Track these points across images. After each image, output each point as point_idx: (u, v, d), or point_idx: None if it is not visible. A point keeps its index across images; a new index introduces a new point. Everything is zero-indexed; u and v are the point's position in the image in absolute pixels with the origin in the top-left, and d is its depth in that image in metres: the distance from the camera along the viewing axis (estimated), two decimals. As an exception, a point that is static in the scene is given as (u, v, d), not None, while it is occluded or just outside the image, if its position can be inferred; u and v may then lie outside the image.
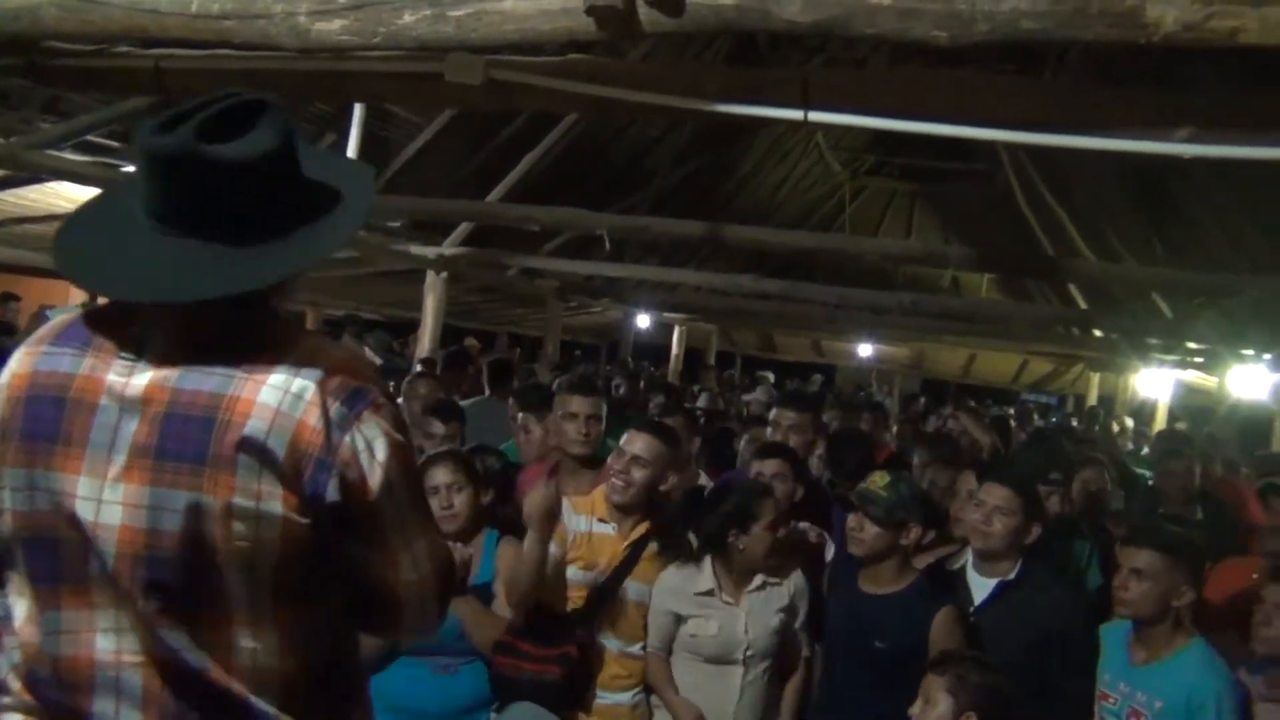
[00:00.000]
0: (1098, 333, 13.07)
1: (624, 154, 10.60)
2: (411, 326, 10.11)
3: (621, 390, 8.85)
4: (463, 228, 8.94)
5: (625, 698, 3.19)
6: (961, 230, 14.38)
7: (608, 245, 7.29)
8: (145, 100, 5.62)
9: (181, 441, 1.36)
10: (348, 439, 1.40)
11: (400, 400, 5.36)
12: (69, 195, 7.89)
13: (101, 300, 1.53)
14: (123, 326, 1.44)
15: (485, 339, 15.96)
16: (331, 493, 1.40)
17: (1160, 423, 13.51)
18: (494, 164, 8.83)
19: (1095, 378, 16.72)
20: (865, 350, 18.11)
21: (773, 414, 4.39)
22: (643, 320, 14.75)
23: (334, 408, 1.40)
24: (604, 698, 3.16)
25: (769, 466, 3.63)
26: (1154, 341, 11.77)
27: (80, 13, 3.22)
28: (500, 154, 8.82)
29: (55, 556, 1.41)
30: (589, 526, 3.22)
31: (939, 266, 7.22)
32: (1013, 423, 8.15)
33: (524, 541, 3.02)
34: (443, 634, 3.00)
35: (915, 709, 2.62)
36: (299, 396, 1.38)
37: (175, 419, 1.37)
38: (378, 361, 8.96)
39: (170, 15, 3.17)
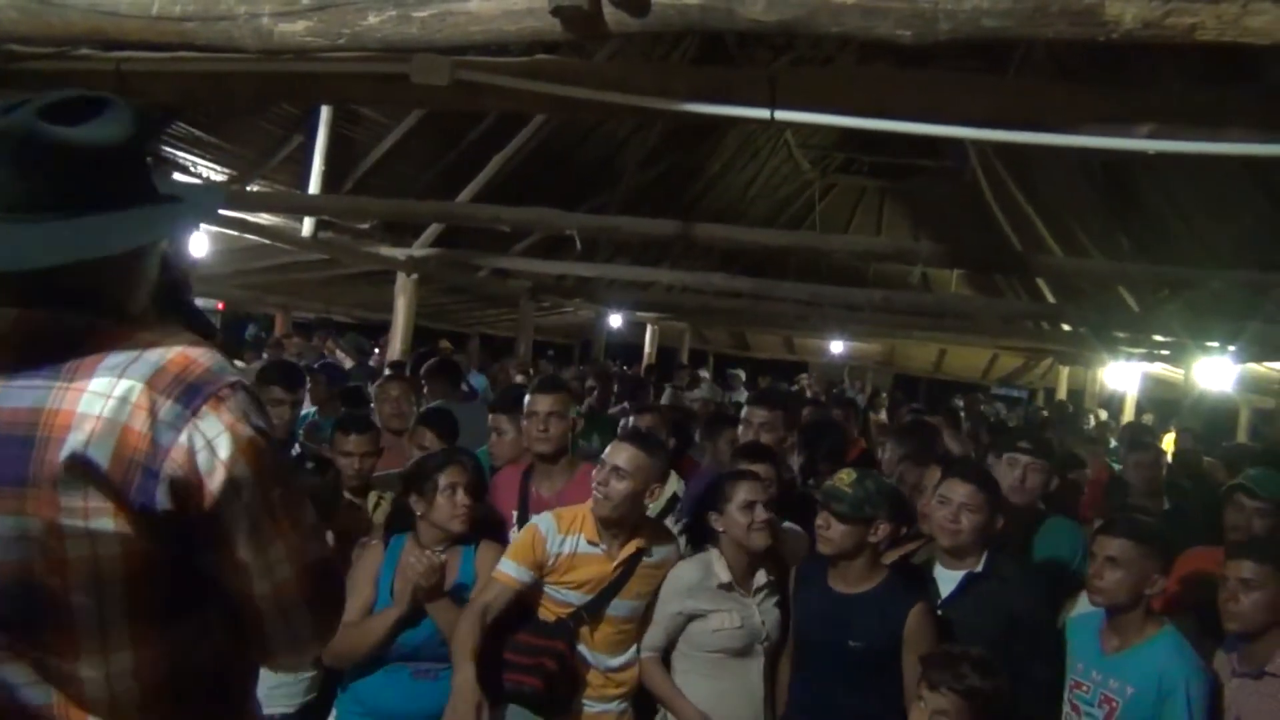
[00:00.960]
0: (1066, 327, 13.20)
1: (594, 154, 10.60)
2: (383, 328, 10.06)
3: (595, 392, 8.84)
4: (433, 229, 8.92)
5: (612, 707, 3.20)
6: (931, 227, 14.50)
7: (578, 245, 7.29)
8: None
9: (3, 463, 1.25)
10: (182, 439, 1.28)
11: (371, 404, 5.35)
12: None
13: None
14: None
15: (457, 340, 15.93)
16: (161, 501, 1.27)
17: (1129, 415, 13.67)
18: (463, 164, 8.82)
19: (1064, 371, 16.90)
20: (837, 347, 18.21)
21: (744, 412, 4.39)
22: (615, 320, 14.76)
23: (165, 406, 1.27)
24: (590, 706, 3.16)
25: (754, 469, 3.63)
26: (1121, 335, 11.90)
27: (39, 15, 3.17)
28: (469, 154, 8.81)
29: None
30: (574, 548, 3.15)
31: (908, 263, 7.26)
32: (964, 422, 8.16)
33: (502, 565, 3.06)
34: (421, 639, 3.00)
35: (915, 715, 2.62)
36: (124, 400, 1.26)
37: None
38: (348, 364, 8.93)
39: (130, 18, 3.13)
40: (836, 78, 3.97)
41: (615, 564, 3.15)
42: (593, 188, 10.73)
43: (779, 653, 3.28)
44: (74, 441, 1.24)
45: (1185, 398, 12.03)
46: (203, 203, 1.50)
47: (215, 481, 1.29)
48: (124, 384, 1.27)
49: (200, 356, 1.33)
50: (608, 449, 3.26)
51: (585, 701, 3.15)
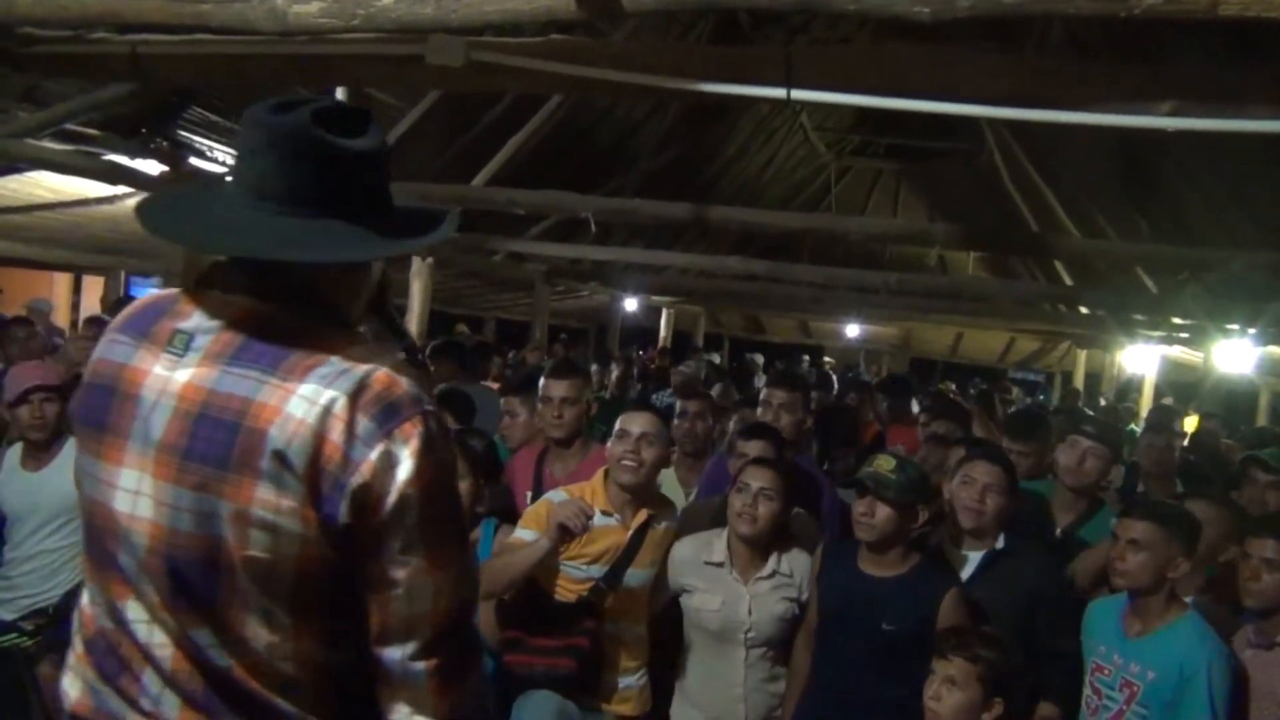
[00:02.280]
0: (1083, 309, 13.12)
1: (609, 137, 10.56)
2: (399, 313, 10.09)
3: (615, 376, 8.81)
4: (448, 212, 8.91)
5: (633, 680, 3.22)
6: (947, 209, 14.40)
7: (593, 228, 7.26)
8: (125, 87, 5.57)
9: (208, 444, 1.34)
10: (373, 455, 1.34)
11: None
12: (49, 185, 7.82)
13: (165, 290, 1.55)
14: (177, 318, 1.44)
15: (474, 324, 15.96)
16: (343, 514, 1.34)
17: (1147, 398, 13.58)
18: (478, 148, 8.79)
19: (1082, 355, 16.79)
20: (853, 330, 18.15)
21: (763, 394, 4.38)
22: (630, 303, 14.74)
23: (362, 423, 1.34)
24: (614, 681, 3.18)
25: (753, 448, 3.63)
26: (1139, 317, 11.82)
27: (55, -2, 3.19)
28: (485, 138, 8.78)
29: (102, 543, 1.44)
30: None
31: (924, 245, 7.23)
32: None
33: (517, 533, 3.05)
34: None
35: (935, 691, 2.62)
36: (327, 410, 1.33)
37: (206, 421, 1.35)
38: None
39: (146, 0, 3.15)
40: (853, 56, 3.93)
41: (630, 533, 3.17)
42: (608, 171, 10.69)
43: (781, 645, 3.25)
44: (276, 438, 1.32)
45: (1204, 381, 11.93)
46: (446, 226, 1.57)
47: (390, 501, 1.35)
48: (329, 394, 1.34)
49: (402, 380, 1.39)
50: (625, 419, 3.26)
51: (610, 677, 3.17)
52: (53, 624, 3.59)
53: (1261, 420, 12.85)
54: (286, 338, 1.39)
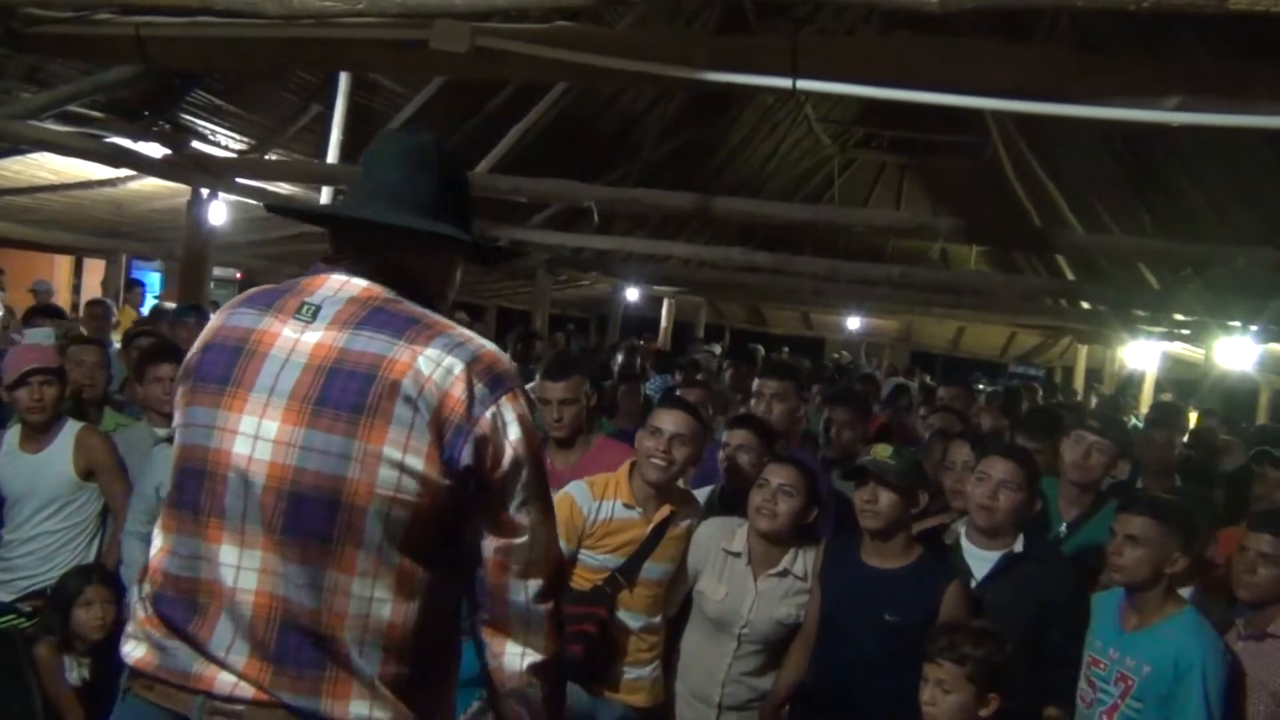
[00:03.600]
0: (1085, 305, 13.10)
1: (612, 126, 10.55)
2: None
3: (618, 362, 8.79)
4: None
5: (646, 671, 3.21)
6: (950, 202, 14.39)
7: (595, 217, 7.25)
8: (128, 70, 5.56)
9: (343, 392, 1.53)
10: (487, 414, 1.57)
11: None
12: (52, 167, 7.82)
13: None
14: (303, 294, 1.65)
15: (474, 312, 15.94)
16: (466, 457, 1.55)
17: (1148, 394, 13.58)
18: (482, 135, 8.78)
19: (1083, 350, 16.77)
20: (854, 323, 18.13)
21: (756, 384, 4.37)
22: (632, 293, 14.72)
23: (478, 387, 1.56)
24: (627, 672, 3.17)
25: (736, 437, 3.62)
26: (1141, 313, 11.80)
27: (58, -22, 3.18)
28: (488, 125, 8.77)
29: (200, 488, 1.58)
30: (611, 512, 3.15)
31: (927, 238, 7.21)
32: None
33: None
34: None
35: (930, 696, 2.61)
36: (449, 371, 1.55)
37: (340, 373, 1.54)
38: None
39: (150, -19, 3.14)
40: (859, 47, 3.92)
41: (651, 527, 3.16)
42: (611, 160, 10.68)
43: (775, 645, 3.24)
44: (408, 387, 1.53)
45: (1205, 377, 11.93)
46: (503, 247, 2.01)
47: (507, 454, 1.59)
48: (450, 359, 1.56)
49: (503, 358, 1.64)
50: (658, 415, 3.24)
51: (620, 667, 3.16)
52: (51, 606, 3.59)
53: (1262, 417, 12.85)
54: (404, 314, 1.61)
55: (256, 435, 1.55)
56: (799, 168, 15.39)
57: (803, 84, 2.99)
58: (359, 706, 1.54)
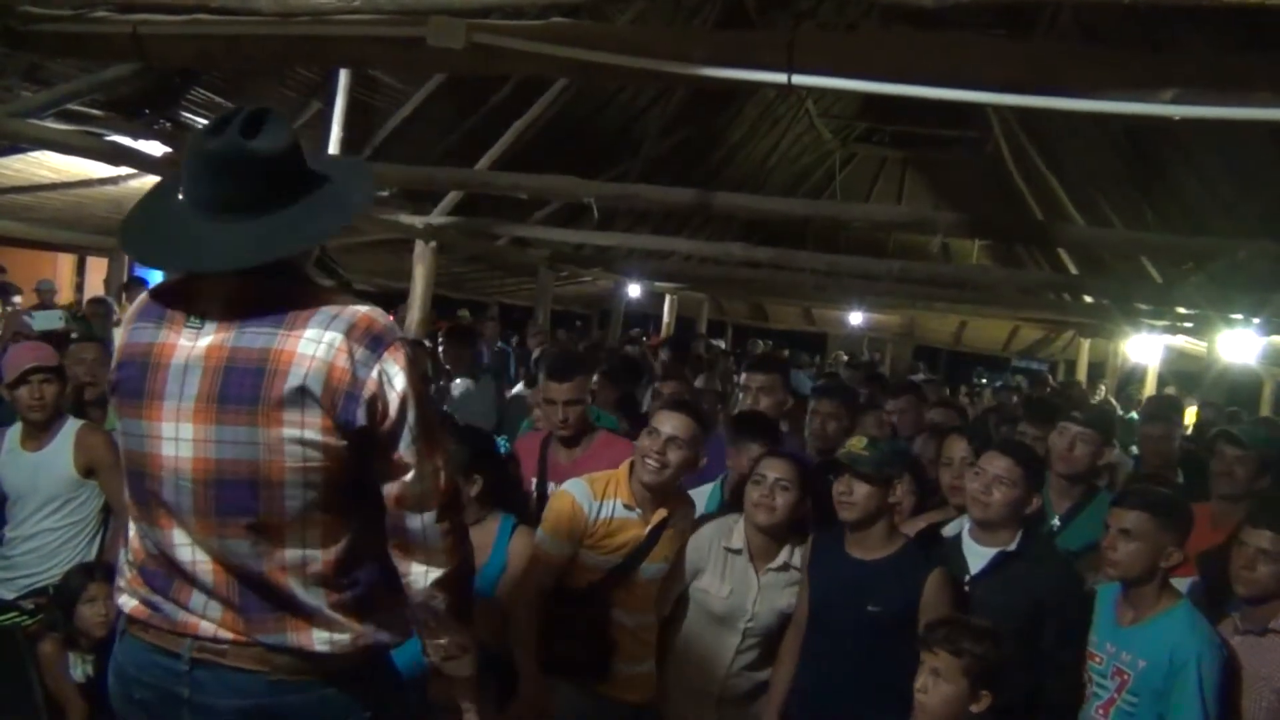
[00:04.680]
0: (1088, 299, 13.07)
1: (614, 122, 10.53)
2: (401, 296, 10.08)
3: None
4: (451, 196, 8.88)
5: (641, 668, 3.24)
6: (952, 197, 14.35)
7: (595, 213, 7.25)
8: (128, 67, 5.56)
9: (240, 388, 1.71)
10: (373, 374, 1.75)
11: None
12: (52, 165, 7.82)
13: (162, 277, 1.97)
14: (187, 300, 1.81)
15: (476, 309, 15.94)
16: (360, 418, 1.74)
17: (1150, 388, 13.55)
18: (482, 132, 8.76)
19: (1085, 344, 16.73)
20: (856, 318, 18.11)
21: (743, 378, 4.38)
22: (634, 289, 14.72)
23: (358, 352, 1.74)
24: (623, 669, 3.19)
25: (754, 451, 3.60)
26: (1143, 307, 11.77)
27: (56, -23, 3.18)
28: (488, 121, 8.75)
29: (147, 487, 1.80)
30: (611, 512, 3.16)
31: (928, 233, 7.20)
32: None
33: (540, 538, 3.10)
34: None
35: (922, 683, 2.63)
36: (330, 345, 1.72)
37: (234, 371, 1.72)
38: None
39: (147, -21, 3.14)
40: (856, 42, 3.91)
41: (649, 528, 3.17)
42: (612, 156, 10.66)
43: (776, 637, 3.26)
44: (296, 374, 1.70)
45: (1208, 370, 11.91)
46: (364, 185, 1.99)
47: (394, 404, 1.77)
48: (329, 334, 1.73)
49: (378, 317, 1.81)
50: (659, 417, 3.26)
51: (619, 665, 3.18)
52: (54, 603, 3.60)
53: (1265, 410, 12.83)
54: (280, 299, 1.76)
55: (176, 438, 1.76)
56: (800, 163, 15.37)
57: (798, 79, 2.98)
58: (320, 634, 1.81)
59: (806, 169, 15.61)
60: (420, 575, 1.90)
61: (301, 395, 1.71)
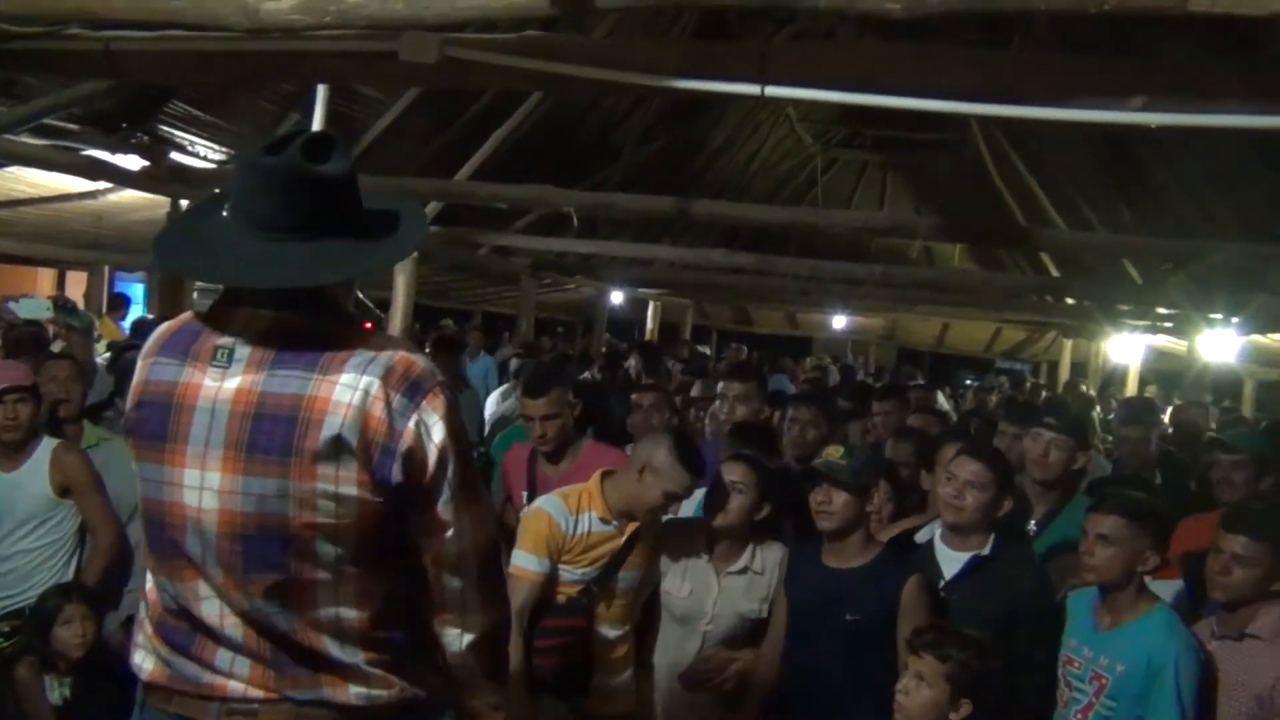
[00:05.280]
0: (1069, 300, 13.13)
1: (594, 130, 10.52)
2: (383, 307, 10.05)
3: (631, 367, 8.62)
4: (431, 206, 8.87)
5: (622, 679, 3.25)
6: (933, 200, 14.39)
7: (575, 223, 7.25)
8: (103, 83, 5.54)
9: (270, 437, 1.61)
10: (410, 425, 1.65)
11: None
12: (30, 180, 7.77)
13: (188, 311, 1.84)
14: (215, 336, 1.69)
15: (460, 318, 15.90)
16: (396, 474, 1.65)
17: (1132, 387, 13.63)
18: (462, 142, 8.76)
19: (1068, 344, 16.79)
20: (840, 322, 18.14)
21: (720, 386, 4.38)
22: (617, 296, 14.71)
23: (396, 400, 1.64)
24: (605, 682, 3.20)
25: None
26: (1124, 307, 11.83)
27: (27, -6, 3.17)
28: (468, 131, 8.74)
29: (168, 536, 1.69)
30: (588, 526, 3.16)
31: (909, 237, 7.23)
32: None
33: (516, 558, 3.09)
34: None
35: (904, 685, 2.64)
36: (366, 392, 1.62)
37: (264, 418, 1.62)
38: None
39: (118, -3, 3.13)
40: (829, 51, 3.93)
41: (624, 538, 3.18)
42: (592, 164, 10.66)
43: (738, 641, 3.27)
44: (331, 423, 1.60)
45: (1189, 370, 11.97)
46: (418, 222, 1.86)
47: (433, 457, 1.67)
48: (366, 379, 1.63)
49: (417, 360, 1.71)
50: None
51: (600, 677, 3.19)
52: (30, 625, 3.57)
53: (1246, 408, 12.91)
54: (315, 339, 1.66)
55: (201, 486, 1.64)
56: (782, 168, 15.38)
57: (772, 90, 3.00)
58: (357, 689, 1.71)
59: (788, 174, 15.61)
60: (455, 638, 1.81)
61: (337, 446, 1.61)
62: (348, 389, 1.62)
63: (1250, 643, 2.82)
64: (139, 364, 1.78)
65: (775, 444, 3.84)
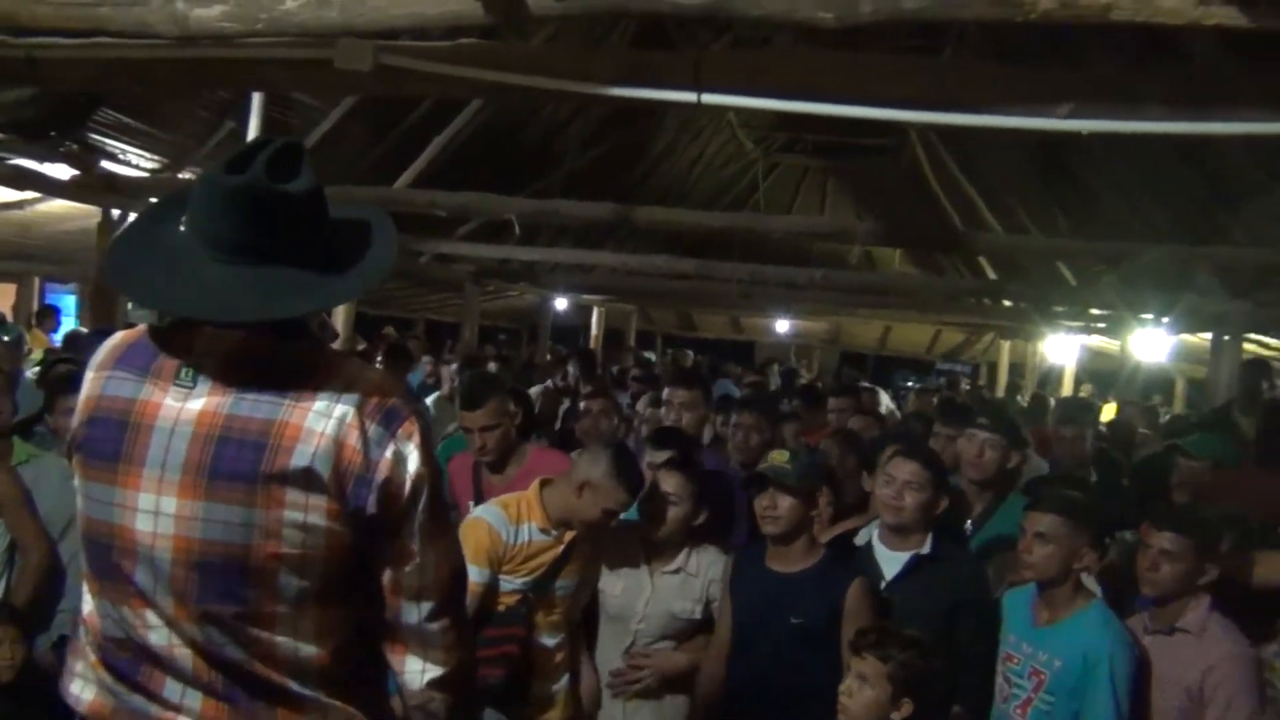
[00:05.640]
0: (1006, 302, 13.37)
1: (535, 136, 10.51)
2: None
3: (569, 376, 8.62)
4: (372, 214, 8.79)
5: (560, 685, 3.23)
6: (873, 205, 14.58)
7: (517, 230, 7.23)
8: (27, 90, 5.41)
9: (235, 462, 1.52)
10: (387, 455, 1.58)
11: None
12: (-46, 190, 7.58)
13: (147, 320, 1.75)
14: (179, 353, 1.60)
15: (403, 325, 15.78)
16: (371, 505, 1.57)
17: (1068, 386, 13.91)
18: (402, 149, 8.70)
19: (1006, 345, 17.11)
20: (783, 326, 18.28)
21: (665, 393, 4.38)
22: (561, 303, 14.69)
23: (371, 429, 1.57)
24: (544, 690, 3.19)
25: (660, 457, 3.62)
26: (1059, 309, 12.08)
27: (-56, 1, 3.08)
28: (408, 138, 8.69)
29: (113, 561, 1.59)
30: (529, 536, 3.14)
31: (847, 242, 7.31)
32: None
33: None
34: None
35: (846, 686, 2.66)
36: (341, 420, 1.55)
37: (229, 442, 1.53)
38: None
39: (41, 3, 3.06)
40: (764, 59, 3.97)
41: (563, 546, 3.17)
42: (534, 170, 10.64)
43: (670, 641, 3.28)
44: (302, 452, 1.52)
45: (1122, 369, 12.25)
46: (389, 242, 1.74)
47: (407, 487, 1.60)
48: (340, 407, 1.56)
49: (392, 387, 1.65)
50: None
51: (539, 684, 3.17)
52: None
53: (1178, 406, 13.25)
54: (285, 363, 1.59)
55: (156, 511, 1.55)
56: (724, 173, 15.48)
57: (708, 98, 3.02)
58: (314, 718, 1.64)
59: (730, 179, 15.72)
60: (416, 675, 1.70)
61: (307, 476, 1.52)
62: (321, 417, 1.54)
63: (1181, 637, 2.89)
64: (89, 377, 1.67)
65: (691, 446, 3.83)
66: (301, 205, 1.57)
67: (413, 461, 1.60)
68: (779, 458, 3.17)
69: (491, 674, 3.00)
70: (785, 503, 3.07)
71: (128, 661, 1.62)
